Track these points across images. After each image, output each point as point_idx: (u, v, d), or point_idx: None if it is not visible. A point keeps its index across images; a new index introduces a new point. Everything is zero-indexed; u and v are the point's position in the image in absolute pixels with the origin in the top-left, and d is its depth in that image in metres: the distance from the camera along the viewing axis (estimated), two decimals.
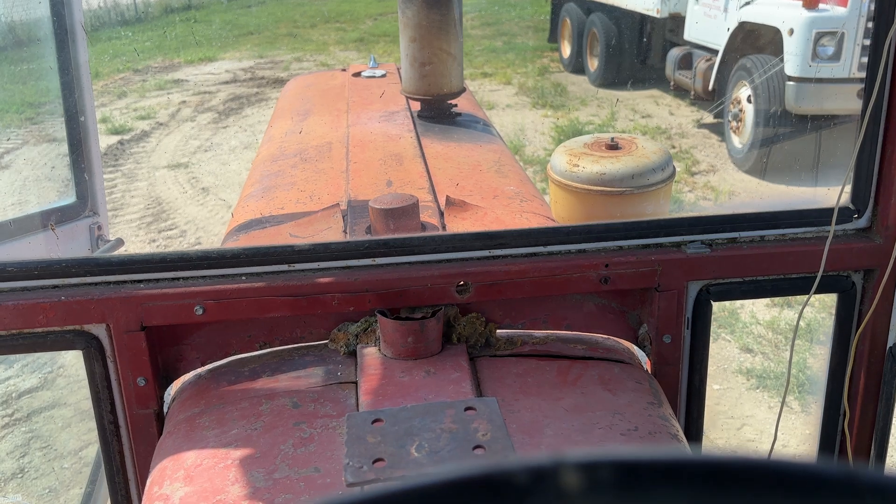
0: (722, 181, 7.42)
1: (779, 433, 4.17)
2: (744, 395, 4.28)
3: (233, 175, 8.03)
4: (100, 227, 1.77)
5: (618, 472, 0.26)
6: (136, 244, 6.53)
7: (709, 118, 8.99)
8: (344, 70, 3.55)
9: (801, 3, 7.03)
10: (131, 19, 20.43)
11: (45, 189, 7.83)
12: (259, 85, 12.37)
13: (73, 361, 4.33)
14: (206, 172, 8.17)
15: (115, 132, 9.64)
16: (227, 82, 12.73)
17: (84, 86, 1.82)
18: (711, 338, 4.66)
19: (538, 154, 8.35)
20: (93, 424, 1.23)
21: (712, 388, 4.41)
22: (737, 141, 7.84)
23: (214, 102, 11.29)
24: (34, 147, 9.00)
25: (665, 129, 9.15)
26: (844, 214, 1.26)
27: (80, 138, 1.80)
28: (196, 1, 24.57)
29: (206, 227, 6.80)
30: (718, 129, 8.66)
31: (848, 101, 6.93)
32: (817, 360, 4.49)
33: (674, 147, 8.48)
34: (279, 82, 12.50)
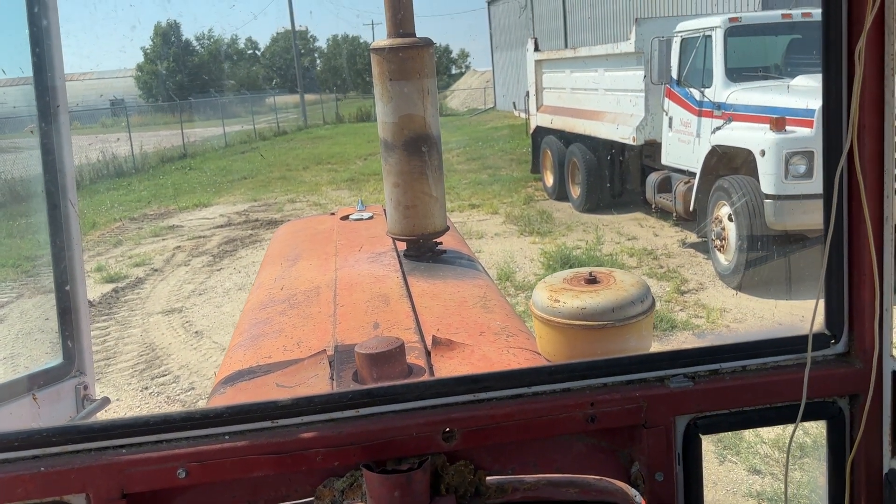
0: (712, 299, 7.48)
1: None
2: None
3: (226, 317, 8.05)
4: (86, 387, 1.77)
5: None
6: (129, 392, 6.43)
7: (693, 238, 9.19)
8: (333, 214, 3.66)
9: (768, 126, 7.40)
10: (129, 170, 21.21)
11: (36, 342, 7.80)
12: (253, 227, 12.67)
13: None
14: (200, 316, 8.19)
15: (110, 280, 9.74)
16: (221, 226, 13.04)
17: (74, 247, 1.87)
18: (717, 460, 4.51)
19: (529, 280, 8.45)
20: None
21: None
22: (722, 258, 7.98)
23: (209, 246, 11.51)
24: (29, 300, 9.05)
25: (651, 250, 9.33)
26: (821, 341, 1.27)
27: (68, 297, 1.83)
28: (191, 149, 25.66)
29: (199, 371, 6.73)
30: (704, 248, 8.83)
31: None
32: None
33: (661, 267, 8.61)
34: (273, 223, 12.82)
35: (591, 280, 1.66)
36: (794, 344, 1.28)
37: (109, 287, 9.49)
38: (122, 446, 1.15)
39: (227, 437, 1.16)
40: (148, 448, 1.14)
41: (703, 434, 1.25)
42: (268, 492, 1.21)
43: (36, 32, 1.64)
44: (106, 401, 1.83)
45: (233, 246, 11.39)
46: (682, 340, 6.50)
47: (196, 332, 7.66)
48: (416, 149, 2.49)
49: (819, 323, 1.28)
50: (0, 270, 10.33)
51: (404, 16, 2.43)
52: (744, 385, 1.25)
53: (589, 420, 1.21)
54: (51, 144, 1.70)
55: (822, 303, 1.33)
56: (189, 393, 6.36)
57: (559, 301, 1.60)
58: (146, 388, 6.48)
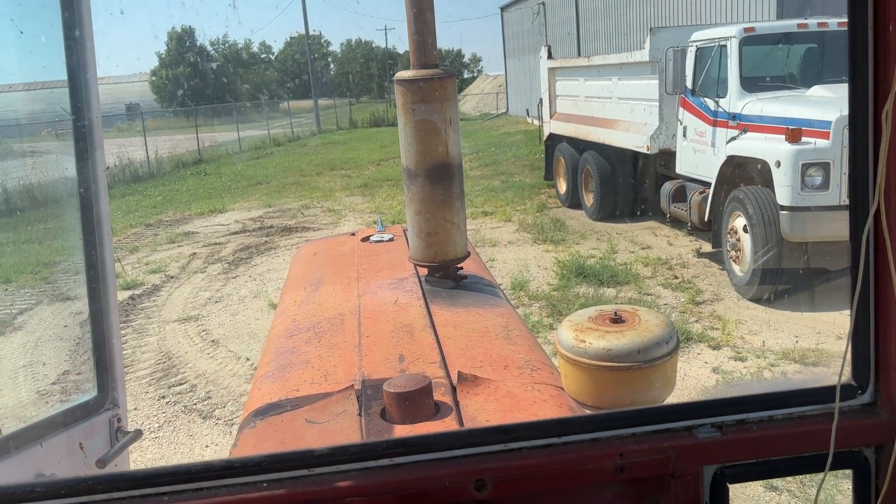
0: (727, 310, 7.46)
1: None
2: None
3: (242, 325, 8.12)
4: (119, 420, 1.81)
5: None
6: (146, 402, 6.49)
7: (708, 248, 9.16)
8: (353, 235, 3.69)
9: (784, 136, 7.38)
10: (144, 175, 21.38)
11: (55, 349, 7.89)
12: (268, 234, 12.74)
13: None
14: (216, 324, 8.26)
15: (127, 287, 9.83)
16: (236, 232, 13.13)
17: (108, 278, 1.91)
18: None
19: (542, 289, 8.46)
20: None
21: None
22: (737, 269, 7.97)
23: (224, 253, 11.59)
24: (47, 306, 9.16)
25: (666, 259, 9.31)
26: (848, 391, 1.29)
27: (103, 330, 1.87)
28: (206, 154, 25.85)
29: (215, 381, 6.79)
30: (719, 258, 8.81)
31: (841, 227, 7.11)
32: (845, 496, 4.34)
33: (676, 277, 8.60)
34: (287, 230, 12.89)
35: (617, 319, 1.68)
36: (820, 394, 1.30)
37: (126, 294, 9.58)
38: (164, 493, 1.18)
39: (265, 484, 1.19)
40: (189, 495, 1.18)
41: (731, 483, 1.27)
42: None
43: (73, 60, 1.69)
44: (138, 433, 1.87)
45: (248, 253, 11.46)
46: (699, 352, 6.49)
47: (213, 341, 7.73)
48: (439, 177, 2.52)
49: (846, 374, 1.30)
50: (19, 277, 10.46)
51: (428, 47, 2.47)
52: (771, 435, 1.27)
53: (618, 470, 1.23)
54: (87, 174, 1.75)
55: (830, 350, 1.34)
56: (206, 402, 6.42)
57: (585, 342, 1.62)
58: (163, 398, 6.55)
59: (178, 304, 9.13)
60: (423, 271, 2.75)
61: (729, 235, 8.12)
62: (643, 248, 9.97)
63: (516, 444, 1.25)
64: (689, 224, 9.21)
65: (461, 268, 2.75)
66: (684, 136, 9.52)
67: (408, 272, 2.82)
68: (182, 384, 6.82)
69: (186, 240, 12.84)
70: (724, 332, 6.84)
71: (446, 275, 2.66)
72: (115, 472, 1.20)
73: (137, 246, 12.55)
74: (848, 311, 1.30)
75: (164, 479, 1.19)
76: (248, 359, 7.12)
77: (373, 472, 1.21)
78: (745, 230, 7.76)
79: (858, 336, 1.28)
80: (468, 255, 2.69)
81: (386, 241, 3.38)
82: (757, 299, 7.61)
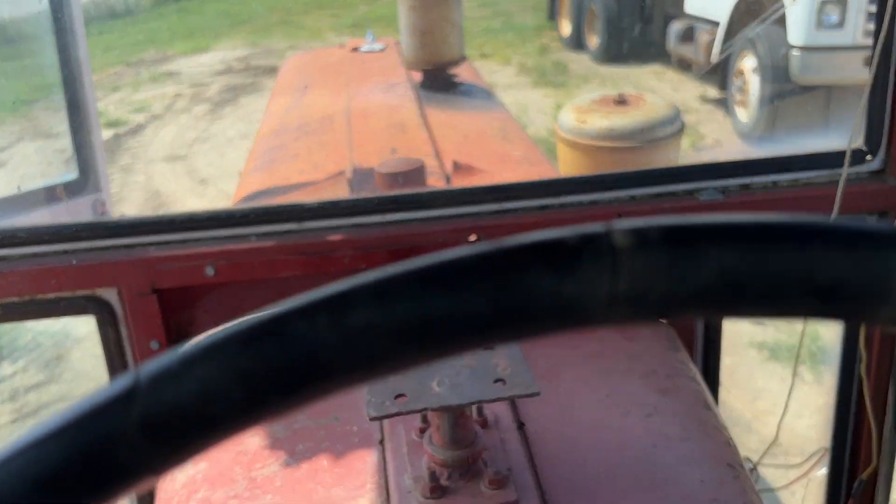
0: (728, 155, 7.37)
1: (792, 404, 4.09)
2: (756, 368, 4.25)
3: (230, 165, 7.99)
4: (103, 204, 1.75)
5: (667, 232, 0.28)
6: None
7: (714, 93, 8.91)
8: (342, 46, 3.52)
9: None
10: (121, 12, 20.29)
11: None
12: (254, 74, 12.29)
13: (79, 355, 4.32)
14: (205, 164, 8.14)
15: (111, 125, 9.59)
16: (221, 72, 12.66)
17: (83, 66, 1.80)
18: None
19: (541, 134, 8.30)
20: None
21: (724, 362, 4.40)
22: (742, 115, 7.78)
23: (210, 93, 11.24)
24: (30, 143, 8.97)
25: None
26: (857, 156, 1.24)
27: (79, 111, 1.77)
28: None
29: None
30: (724, 104, 8.60)
31: (854, 70, 6.87)
32: (828, 330, 4.47)
33: None
34: (274, 71, 12.43)
35: (621, 101, 1.59)
36: (826, 160, 1.25)
37: (110, 132, 9.37)
38: (150, 244, 1.15)
39: (254, 237, 1.16)
40: (176, 246, 1.15)
41: None
42: (295, 292, 1.22)
43: None
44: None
45: (233, 94, 11.12)
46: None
47: (201, 180, 7.65)
48: None
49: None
50: None
51: None
52: (773, 199, 1.23)
53: None
54: None
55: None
56: (206, 209, 6.44)
57: (586, 122, 1.55)
58: None
59: (165, 144, 8.96)
60: (417, 77, 2.62)
61: (735, 78, 7.86)
62: (647, 94, 9.71)
63: (512, 203, 1.20)
64: (696, 67, 8.91)
65: (456, 74, 2.62)
66: None
67: (400, 77, 2.69)
68: None
69: (169, 80, 12.41)
70: None
71: (441, 79, 2.53)
72: (100, 220, 1.16)
73: (119, 85, 12.14)
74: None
75: (148, 228, 1.15)
76: None
77: (364, 228, 1.17)
78: (753, 72, 7.50)
79: (875, 99, 1.21)
80: (464, 58, 2.55)
81: (377, 51, 3.22)
82: (760, 145, 7.50)
